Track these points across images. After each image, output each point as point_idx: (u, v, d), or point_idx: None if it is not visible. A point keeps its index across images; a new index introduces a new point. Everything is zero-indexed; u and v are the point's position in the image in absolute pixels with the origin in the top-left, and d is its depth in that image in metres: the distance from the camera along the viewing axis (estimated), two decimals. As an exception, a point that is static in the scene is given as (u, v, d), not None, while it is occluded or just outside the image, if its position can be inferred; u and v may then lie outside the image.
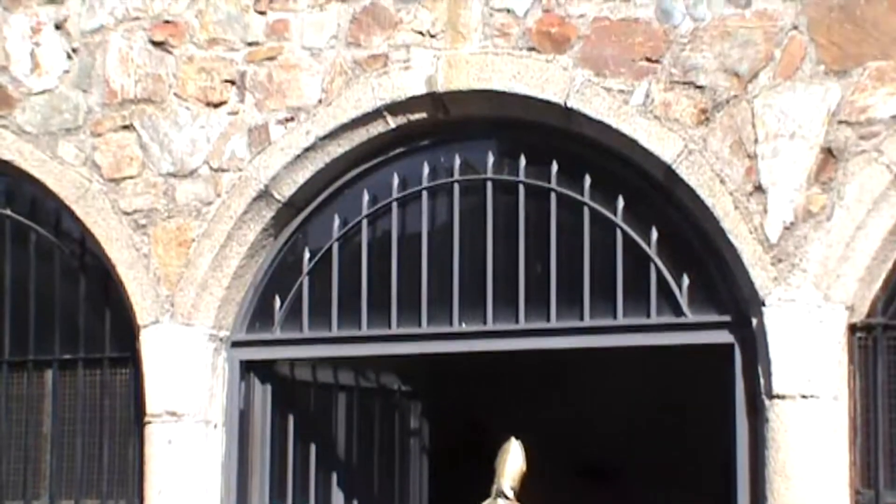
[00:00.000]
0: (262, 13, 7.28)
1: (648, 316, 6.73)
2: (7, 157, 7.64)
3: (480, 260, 7.00)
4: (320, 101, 7.18)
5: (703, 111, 6.58)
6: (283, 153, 7.21)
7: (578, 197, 6.84)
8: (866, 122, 6.35)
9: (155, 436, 7.27)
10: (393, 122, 7.13)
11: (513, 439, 6.71)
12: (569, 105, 6.78)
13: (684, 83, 6.62)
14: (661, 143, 6.63)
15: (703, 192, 6.55)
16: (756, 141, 6.50)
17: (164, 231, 7.36)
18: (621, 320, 6.77)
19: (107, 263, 7.44)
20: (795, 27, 6.46)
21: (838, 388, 6.33)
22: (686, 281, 6.68)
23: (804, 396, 6.32)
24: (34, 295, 7.70)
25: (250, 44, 7.31)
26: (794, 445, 6.30)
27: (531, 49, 6.87)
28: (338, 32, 7.16)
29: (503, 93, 6.90)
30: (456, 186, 7.08)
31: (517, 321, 6.93)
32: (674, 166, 6.60)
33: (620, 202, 6.78)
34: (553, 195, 6.89)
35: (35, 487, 7.67)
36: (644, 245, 6.73)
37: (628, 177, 6.80)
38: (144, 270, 7.35)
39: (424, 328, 7.08)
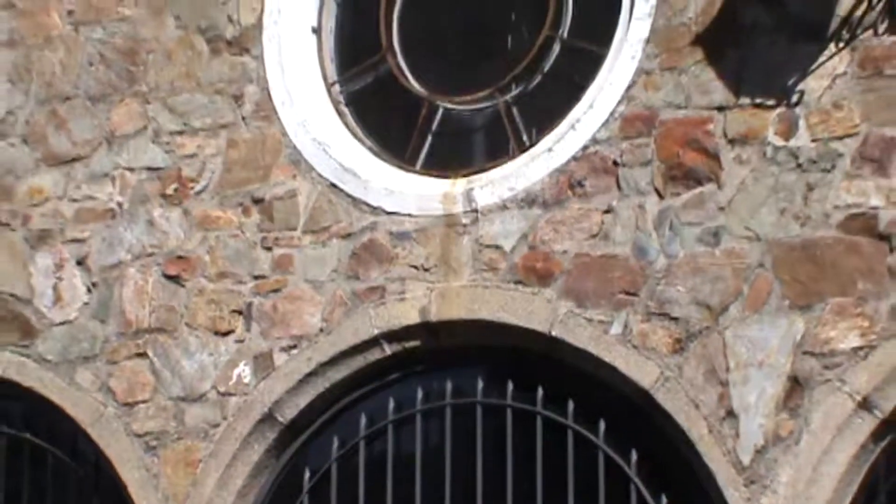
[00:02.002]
0: (269, 249, 7.37)
1: (629, 533, 6.64)
2: (28, 384, 7.65)
3: (471, 479, 6.93)
4: (321, 330, 7.21)
5: (678, 341, 6.62)
6: (286, 378, 7.22)
7: (563, 420, 6.81)
8: (829, 353, 6.37)
9: None
10: (389, 350, 7.16)
11: None
12: (553, 334, 6.81)
13: (660, 315, 6.66)
14: (640, 370, 6.65)
15: (679, 417, 6.54)
16: (727, 369, 6.51)
17: (173, 452, 7.33)
18: (604, 537, 6.68)
19: (119, 484, 7.36)
20: (761, 265, 6.52)
21: None
22: (664, 500, 6.62)
23: None
24: (49, 516, 7.61)
25: (257, 277, 7.38)
26: None
27: (518, 282, 6.92)
28: (338, 266, 7.23)
29: (492, 322, 6.94)
30: (448, 410, 7.04)
31: (506, 538, 6.82)
32: (651, 392, 6.61)
33: (602, 425, 6.74)
34: (539, 418, 6.86)
35: None
36: (625, 466, 6.68)
37: (609, 401, 6.78)
38: (154, 490, 7.30)
39: (418, 545, 6.96)
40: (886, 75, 6.42)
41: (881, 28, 6.41)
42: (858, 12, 6.44)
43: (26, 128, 7.97)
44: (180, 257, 7.56)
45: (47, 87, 7.96)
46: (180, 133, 7.66)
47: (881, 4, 6.39)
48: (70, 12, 7.98)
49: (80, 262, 7.73)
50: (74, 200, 7.80)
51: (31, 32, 8.04)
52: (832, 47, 6.51)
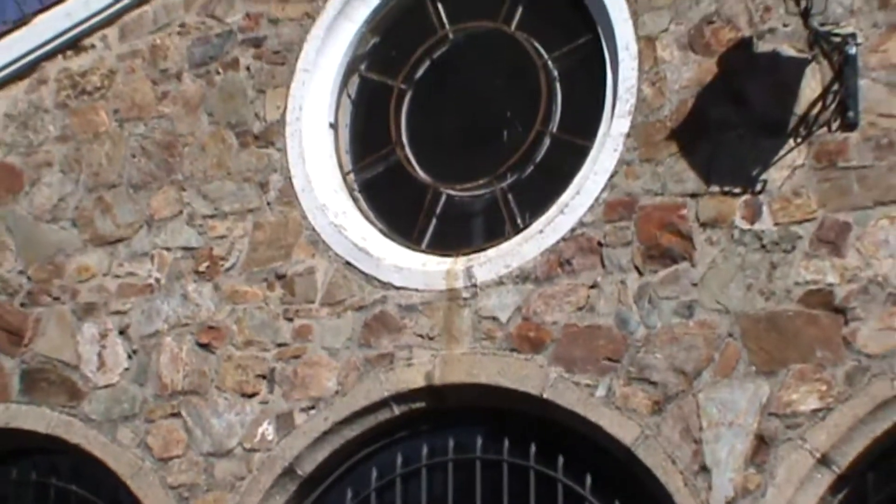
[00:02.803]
0: (290, 319, 7.44)
1: (612, 580, 6.72)
2: (75, 440, 7.73)
3: (471, 529, 7.00)
4: (337, 393, 7.27)
5: (657, 403, 6.66)
6: (305, 436, 7.29)
7: (553, 474, 6.88)
8: (791, 414, 6.41)
9: None
10: (397, 410, 7.21)
11: None
12: (545, 397, 6.86)
13: (640, 379, 6.71)
14: (622, 429, 6.70)
15: (657, 472, 6.59)
16: (701, 428, 6.55)
17: (203, 503, 7.38)
18: (588, 582, 6.75)
19: (155, 531, 7.47)
20: (731, 335, 6.59)
21: None
22: (645, 546, 6.68)
23: None
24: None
25: (279, 345, 7.45)
26: None
27: (513, 350, 6.98)
28: (352, 335, 7.30)
29: (490, 386, 6.99)
30: (450, 465, 7.09)
31: (503, 584, 6.88)
32: (633, 449, 6.66)
33: (589, 479, 6.81)
34: (532, 472, 6.90)
35: None
36: (609, 515, 6.76)
37: (595, 457, 6.84)
38: (186, 536, 7.41)
39: None
40: (839, 167, 6.49)
41: (834, 126, 6.50)
42: (814, 111, 6.54)
43: (76, 212, 8.06)
44: (211, 327, 7.61)
45: (95, 177, 8.08)
46: (212, 217, 7.74)
47: (834, 105, 6.50)
48: (116, 111, 8.12)
49: (121, 332, 7.80)
50: (117, 277, 7.88)
51: (81, 129, 8.17)
52: (791, 142, 6.59)
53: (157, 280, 7.79)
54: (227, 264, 7.65)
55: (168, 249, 7.80)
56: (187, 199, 7.82)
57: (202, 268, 7.70)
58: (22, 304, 8.05)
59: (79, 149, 8.15)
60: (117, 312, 7.82)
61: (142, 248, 7.86)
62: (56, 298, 7.99)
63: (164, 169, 7.91)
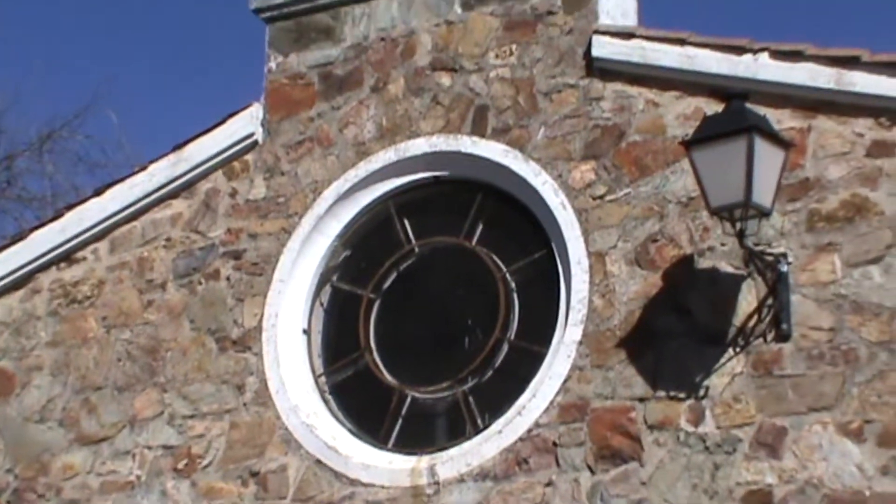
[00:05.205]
0: None
1: None
2: None
3: None
4: None
5: None
6: None
7: None
8: None
9: None
10: None
11: None
12: None
13: None
14: None
15: None
16: None
17: None
18: None
19: None
20: None
21: None
22: None
23: None
24: None
25: None
26: None
27: None
28: None
29: None
30: None
31: None
32: None
33: None
34: None
35: None
36: None
37: None
38: None
39: None
40: (775, 375, 6.53)
41: (769, 337, 6.56)
42: (751, 323, 6.60)
43: (63, 413, 8.00)
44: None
45: (82, 379, 8.03)
46: (191, 417, 7.68)
47: (769, 318, 6.57)
48: (104, 318, 8.12)
49: (129, 559, 7.71)
50: (100, 475, 7.78)
51: (70, 335, 8.16)
52: (731, 351, 6.62)
53: (138, 477, 7.70)
54: (205, 462, 7.57)
55: (149, 448, 7.72)
56: (168, 400, 7.78)
57: (181, 465, 7.62)
58: (8, 502, 7.89)
59: (68, 353, 8.12)
60: (129, 526, 7.74)
61: (124, 447, 7.78)
62: (41, 496, 7.87)
63: (148, 372, 7.89)
